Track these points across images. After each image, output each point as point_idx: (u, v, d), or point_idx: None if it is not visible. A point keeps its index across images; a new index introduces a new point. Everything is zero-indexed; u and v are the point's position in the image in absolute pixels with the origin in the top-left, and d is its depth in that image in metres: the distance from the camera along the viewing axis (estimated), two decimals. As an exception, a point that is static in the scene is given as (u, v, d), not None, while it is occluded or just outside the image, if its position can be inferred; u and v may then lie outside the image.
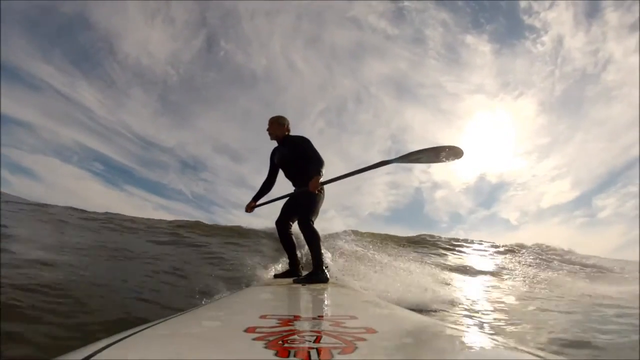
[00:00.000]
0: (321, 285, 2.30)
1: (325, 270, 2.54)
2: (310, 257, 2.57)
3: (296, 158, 2.71)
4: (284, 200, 2.86)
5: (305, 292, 2.00)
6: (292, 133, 2.84)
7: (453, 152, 2.55)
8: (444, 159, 2.55)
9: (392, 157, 2.58)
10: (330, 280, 2.56)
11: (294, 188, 2.80)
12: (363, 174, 2.62)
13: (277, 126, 2.78)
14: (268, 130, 2.81)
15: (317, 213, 2.67)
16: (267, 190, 2.93)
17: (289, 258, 2.85)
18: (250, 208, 2.89)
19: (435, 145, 2.52)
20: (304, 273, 2.84)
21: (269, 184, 2.93)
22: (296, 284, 2.31)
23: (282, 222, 2.80)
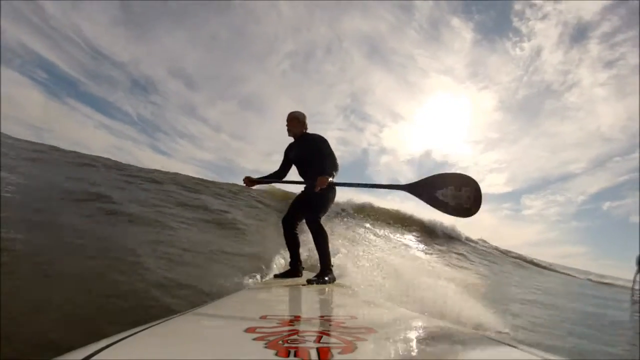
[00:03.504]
0: (321, 285, 2.31)
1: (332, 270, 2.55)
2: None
3: (312, 156, 2.68)
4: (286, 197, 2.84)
5: (305, 292, 2.01)
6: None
7: (472, 193, 1.81)
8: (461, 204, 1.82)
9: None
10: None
11: (304, 186, 2.78)
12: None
13: (297, 123, 2.75)
14: (288, 126, 2.76)
15: (326, 211, 2.67)
16: (275, 181, 2.87)
17: (292, 257, 2.84)
18: (250, 182, 2.78)
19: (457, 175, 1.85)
20: (304, 273, 2.84)
21: (279, 177, 2.87)
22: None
23: (289, 221, 2.77)
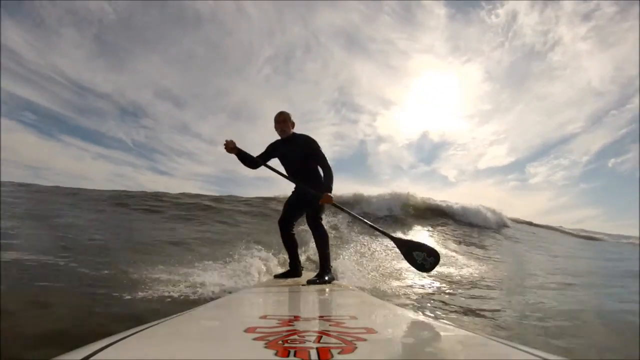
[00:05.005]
0: (321, 286, 2.31)
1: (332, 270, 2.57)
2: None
3: (303, 157, 2.69)
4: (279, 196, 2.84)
5: (305, 293, 2.01)
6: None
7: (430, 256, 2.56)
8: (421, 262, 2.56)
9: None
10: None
11: (293, 185, 2.78)
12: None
13: (290, 123, 2.74)
14: (281, 127, 2.70)
15: (324, 209, 2.70)
16: (251, 162, 2.79)
17: (290, 258, 2.84)
18: (232, 148, 2.69)
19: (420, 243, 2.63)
20: (304, 273, 2.85)
21: (253, 165, 2.80)
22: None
23: (286, 222, 2.78)
